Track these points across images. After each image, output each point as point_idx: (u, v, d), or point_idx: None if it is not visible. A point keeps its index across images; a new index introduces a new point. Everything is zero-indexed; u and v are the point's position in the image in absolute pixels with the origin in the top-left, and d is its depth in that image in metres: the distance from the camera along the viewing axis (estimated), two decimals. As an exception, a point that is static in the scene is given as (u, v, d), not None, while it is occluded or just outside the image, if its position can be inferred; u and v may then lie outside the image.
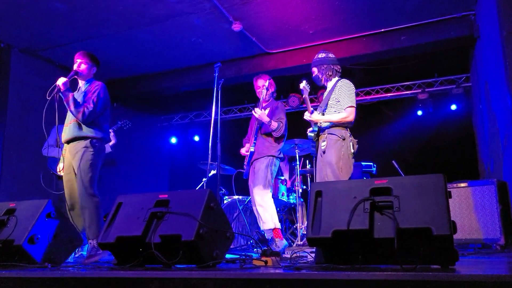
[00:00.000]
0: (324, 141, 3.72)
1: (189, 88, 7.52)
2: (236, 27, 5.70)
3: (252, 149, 4.38)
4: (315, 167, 3.94)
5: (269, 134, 4.38)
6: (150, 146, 8.79)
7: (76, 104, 3.70)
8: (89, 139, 3.74)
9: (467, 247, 4.03)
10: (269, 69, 6.41)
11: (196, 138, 9.09)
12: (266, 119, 4.27)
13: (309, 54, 6.43)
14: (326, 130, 3.74)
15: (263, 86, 4.50)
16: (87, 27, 5.78)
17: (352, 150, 3.65)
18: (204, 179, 5.73)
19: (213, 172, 5.63)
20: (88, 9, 5.31)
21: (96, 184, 3.76)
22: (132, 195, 2.68)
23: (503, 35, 4.06)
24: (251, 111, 4.44)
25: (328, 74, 3.90)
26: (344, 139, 3.64)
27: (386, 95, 7.50)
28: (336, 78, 3.90)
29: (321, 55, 3.97)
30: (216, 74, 4.22)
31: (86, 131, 3.74)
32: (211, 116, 4.21)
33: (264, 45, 6.42)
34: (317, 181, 3.85)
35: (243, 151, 4.54)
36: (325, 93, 3.96)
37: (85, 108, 3.70)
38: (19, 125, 6.16)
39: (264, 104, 4.56)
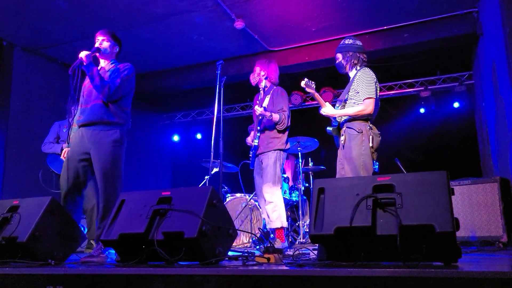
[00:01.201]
0: (342, 135, 3.55)
1: (191, 86, 7.52)
2: (239, 24, 5.69)
3: (256, 142, 4.25)
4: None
5: (272, 126, 4.27)
6: (152, 144, 8.80)
7: (102, 77, 3.36)
8: (114, 126, 3.39)
9: (469, 245, 4.03)
10: (271, 67, 6.42)
11: (199, 136, 9.10)
12: (267, 114, 4.16)
13: (311, 51, 6.43)
14: (345, 124, 3.55)
15: (258, 74, 4.40)
16: (88, 25, 5.78)
17: (372, 144, 3.41)
18: (206, 177, 5.74)
19: (215, 170, 5.63)
20: (89, 7, 5.31)
21: (122, 183, 3.42)
22: (135, 192, 2.69)
23: (506, 32, 4.05)
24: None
25: (353, 62, 3.65)
26: (362, 133, 3.42)
27: (388, 93, 7.48)
28: (359, 68, 3.66)
29: (348, 41, 3.74)
30: (218, 72, 4.19)
31: (113, 114, 3.39)
32: (213, 114, 4.19)
33: (266, 42, 6.41)
34: (336, 176, 3.64)
35: (248, 139, 4.45)
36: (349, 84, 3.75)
37: (111, 83, 3.37)
38: (22, 123, 6.17)
39: (262, 94, 4.41)
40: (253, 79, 4.46)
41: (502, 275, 1.50)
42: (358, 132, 3.42)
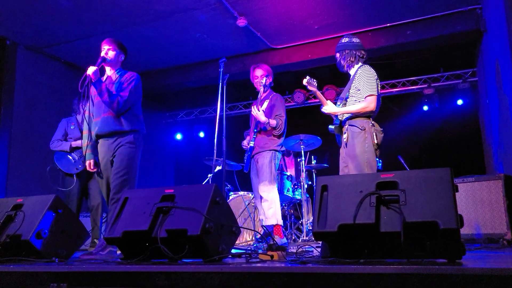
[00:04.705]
0: (345, 133, 3.52)
1: (194, 84, 7.53)
2: (241, 22, 5.69)
3: (251, 144, 4.37)
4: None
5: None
6: (155, 142, 8.80)
7: (110, 93, 3.51)
8: (128, 134, 3.60)
9: (474, 242, 4.02)
10: (274, 65, 6.40)
11: (201, 134, 9.10)
12: (263, 119, 4.24)
13: (314, 49, 6.42)
14: (347, 122, 3.52)
15: (261, 76, 4.46)
16: (92, 24, 5.79)
17: (376, 141, 3.39)
18: (209, 175, 5.75)
19: (218, 168, 5.64)
20: (93, 5, 5.32)
21: (136, 182, 3.61)
22: (139, 190, 2.70)
23: (511, 28, 4.03)
24: (255, 107, 4.42)
25: (350, 60, 3.65)
26: (364, 130, 3.39)
27: (391, 90, 7.47)
28: (359, 65, 3.64)
29: (344, 39, 3.74)
30: (221, 70, 4.18)
31: (125, 124, 3.59)
32: (216, 112, 4.19)
33: (269, 40, 6.40)
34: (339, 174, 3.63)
35: (244, 143, 4.54)
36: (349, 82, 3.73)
37: (119, 97, 3.53)
38: (25, 121, 6.19)
39: (262, 96, 4.50)
40: (257, 83, 4.51)
41: (507, 272, 1.49)
42: (361, 130, 3.40)
